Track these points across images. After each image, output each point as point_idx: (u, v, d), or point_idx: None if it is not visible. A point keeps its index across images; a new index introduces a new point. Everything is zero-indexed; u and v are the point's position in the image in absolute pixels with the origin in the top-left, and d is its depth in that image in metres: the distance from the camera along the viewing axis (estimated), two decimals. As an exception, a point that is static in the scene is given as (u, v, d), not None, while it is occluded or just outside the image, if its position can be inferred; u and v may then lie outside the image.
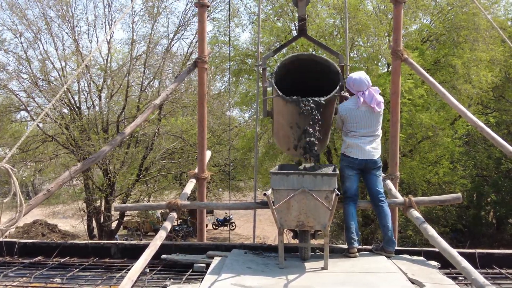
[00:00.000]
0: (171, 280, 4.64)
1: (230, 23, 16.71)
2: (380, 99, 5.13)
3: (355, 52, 17.78)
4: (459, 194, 5.49)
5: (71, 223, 23.74)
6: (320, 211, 4.63)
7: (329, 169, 5.30)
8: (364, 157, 5.10)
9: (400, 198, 5.40)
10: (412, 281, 4.25)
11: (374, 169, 5.19)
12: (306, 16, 5.85)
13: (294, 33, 16.97)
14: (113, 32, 20.84)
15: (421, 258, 5.01)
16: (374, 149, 5.15)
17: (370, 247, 5.29)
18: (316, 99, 5.04)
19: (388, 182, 5.90)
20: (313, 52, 17.84)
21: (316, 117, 5.02)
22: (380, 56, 16.42)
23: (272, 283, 4.20)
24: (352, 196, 5.16)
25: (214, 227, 29.45)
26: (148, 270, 4.87)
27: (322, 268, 4.60)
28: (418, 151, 17.59)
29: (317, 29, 16.53)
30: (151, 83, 21.81)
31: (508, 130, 20.39)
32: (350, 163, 5.15)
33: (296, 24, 12.58)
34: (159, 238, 4.81)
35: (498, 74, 17.50)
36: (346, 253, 5.04)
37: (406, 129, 16.11)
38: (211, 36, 19.90)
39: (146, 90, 21.45)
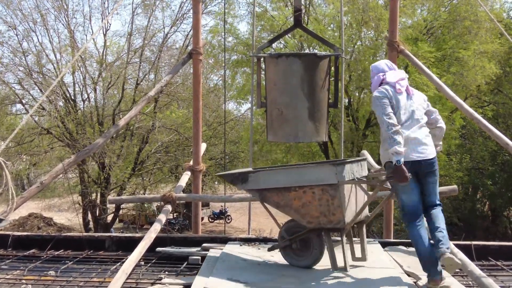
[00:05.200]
0: (166, 272, 4.62)
1: (225, 15, 16.58)
2: None
3: (360, 43, 17.75)
4: (455, 186, 5.48)
5: (67, 216, 23.65)
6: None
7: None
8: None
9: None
10: (408, 274, 4.24)
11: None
12: (302, 7, 5.79)
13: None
14: (110, 24, 20.67)
15: (417, 250, 4.98)
16: None
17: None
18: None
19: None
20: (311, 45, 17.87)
21: None
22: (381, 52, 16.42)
23: (267, 276, 4.19)
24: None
25: (210, 220, 29.45)
26: (143, 263, 4.84)
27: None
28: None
29: (326, 19, 16.52)
30: (147, 76, 21.70)
31: (506, 124, 20.40)
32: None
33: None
34: (154, 231, 4.79)
35: (496, 67, 17.50)
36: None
37: None
38: (207, 29, 19.87)
39: (141, 83, 21.34)
